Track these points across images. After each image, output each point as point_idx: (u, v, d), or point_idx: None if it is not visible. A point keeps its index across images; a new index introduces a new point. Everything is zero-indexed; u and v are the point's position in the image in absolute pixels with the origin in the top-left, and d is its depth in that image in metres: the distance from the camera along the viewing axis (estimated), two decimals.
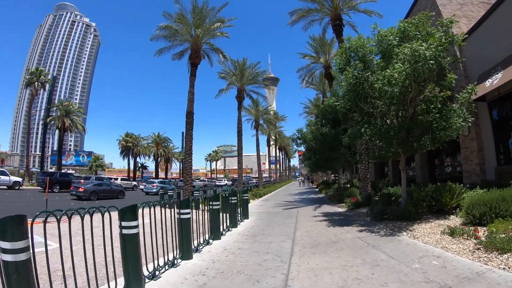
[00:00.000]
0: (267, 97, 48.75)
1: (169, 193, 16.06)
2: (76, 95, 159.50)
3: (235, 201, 8.34)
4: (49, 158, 75.65)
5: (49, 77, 38.07)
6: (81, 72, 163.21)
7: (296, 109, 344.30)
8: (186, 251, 4.84)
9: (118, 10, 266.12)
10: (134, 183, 36.88)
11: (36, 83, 36.22)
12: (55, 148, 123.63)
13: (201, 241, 5.78)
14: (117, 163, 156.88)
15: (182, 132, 59.59)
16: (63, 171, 38.48)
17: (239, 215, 8.95)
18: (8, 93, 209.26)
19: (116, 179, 33.09)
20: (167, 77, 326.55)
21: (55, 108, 40.37)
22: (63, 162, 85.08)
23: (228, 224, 7.66)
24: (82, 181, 23.83)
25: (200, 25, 16.37)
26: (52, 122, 38.63)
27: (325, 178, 37.78)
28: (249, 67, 25.28)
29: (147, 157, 56.16)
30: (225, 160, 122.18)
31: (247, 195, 10.40)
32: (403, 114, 7.12)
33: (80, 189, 19.75)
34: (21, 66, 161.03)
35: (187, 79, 16.95)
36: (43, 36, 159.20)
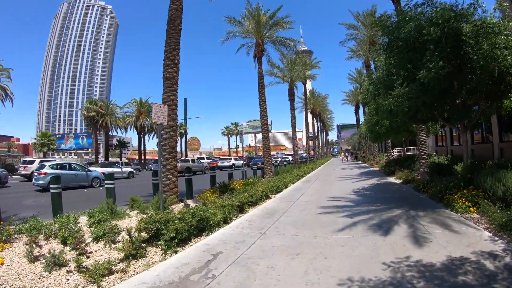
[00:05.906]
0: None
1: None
2: (97, 80, 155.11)
3: None
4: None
5: None
6: (99, 56, 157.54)
7: (336, 87, 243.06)
8: None
9: None
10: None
11: None
12: (60, 131, 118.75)
13: None
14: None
15: (185, 99, 42.77)
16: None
17: None
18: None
19: (32, 162, 20.84)
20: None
21: None
22: (62, 146, 77.98)
23: None
24: None
25: None
26: None
27: (396, 154, 22.33)
28: None
29: (123, 131, 42.64)
30: (255, 136, 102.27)
31: None
32: None
33: None
34: (41, 60, 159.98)
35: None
36: (59, 25, 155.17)
